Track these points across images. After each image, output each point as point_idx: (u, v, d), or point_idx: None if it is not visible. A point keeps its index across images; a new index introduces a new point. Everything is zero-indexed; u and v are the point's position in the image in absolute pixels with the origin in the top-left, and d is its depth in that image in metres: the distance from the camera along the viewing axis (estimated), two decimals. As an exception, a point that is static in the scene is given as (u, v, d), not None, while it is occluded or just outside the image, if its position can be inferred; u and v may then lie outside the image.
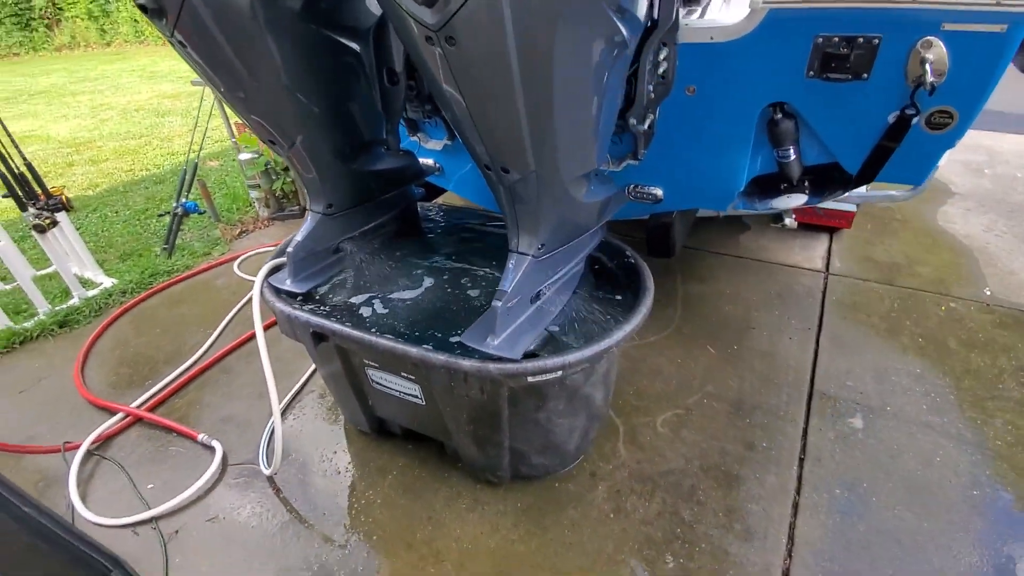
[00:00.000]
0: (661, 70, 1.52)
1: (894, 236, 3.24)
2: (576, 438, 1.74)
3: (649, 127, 1.67)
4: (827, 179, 1.70)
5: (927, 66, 1.26)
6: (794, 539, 1.64)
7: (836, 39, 1.33)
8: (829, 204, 2.33)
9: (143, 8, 1.21)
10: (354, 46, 1.48)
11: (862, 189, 2.41)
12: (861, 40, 1.31)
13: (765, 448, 1.94)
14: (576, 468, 1.89)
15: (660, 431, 2.03)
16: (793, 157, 1.63)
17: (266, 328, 1.83)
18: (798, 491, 1.78)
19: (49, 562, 1.13)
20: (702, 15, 1.56)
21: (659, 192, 1.93)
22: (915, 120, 1.40)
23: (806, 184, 1.71)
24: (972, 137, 4.63)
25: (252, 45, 1.29)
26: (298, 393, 2.30)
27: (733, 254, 3.15)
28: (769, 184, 1.78)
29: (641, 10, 1.12)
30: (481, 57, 0.94)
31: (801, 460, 1.89)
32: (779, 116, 1.56)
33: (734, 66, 1.48)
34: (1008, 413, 2.03)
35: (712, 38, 1.46)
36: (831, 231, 3.23)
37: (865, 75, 1.36)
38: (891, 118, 1.42)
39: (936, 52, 1.26)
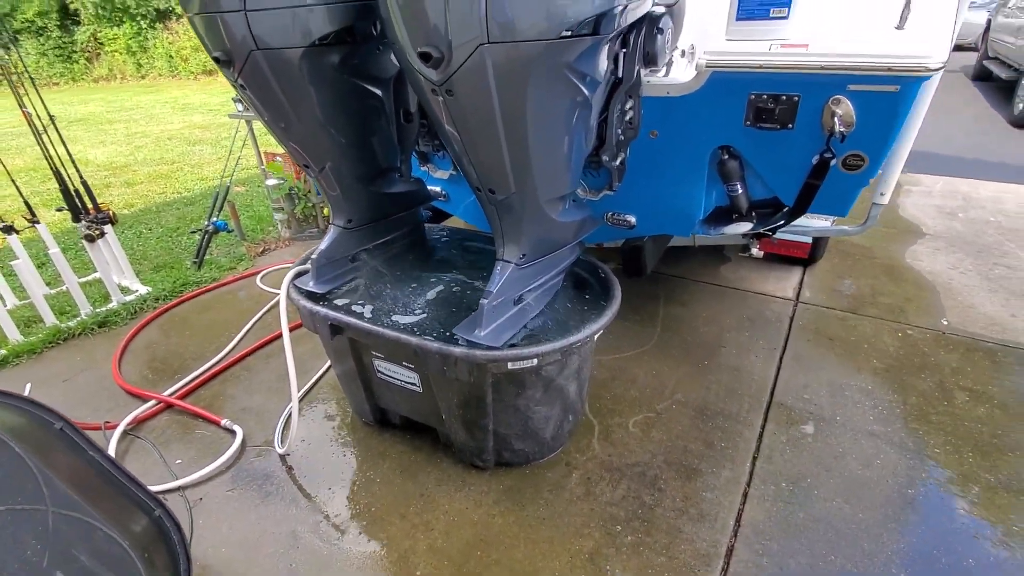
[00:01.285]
0: (628, 117, 1.84)
1: (863, 271, 3.50)
2: (552, 427, 1.99)
3: (621, 164, 1.98)
4: (770, 210, 1.99)
5: (836, 119, 1.57)
6: (741, 522, 1.86)
7: (765, 96, 1.65)
8: (787, 236, 2.61)
9: (217, 60, 1.56)
10: (377, 91, 1.82)
11: (820, 223, 2.71)
12: (784, 98, 1.63)
13: (723, 447, 2.17)
14: (554, 458, 2.13)
15: (631, 430, 2.27)
16: (740, 191, 1.93)
17: (292, 329, 2.12)
18: (749, 483, 2.01)
19: (112, 494, 1.39)
20: (667, 73, 1.89)
21: (632, 219, 2.23)
22: (833, 162, 1.70)
23: (753, 215, 2.01)
24: (950, 183, 4.96)
25: (297, 89, 1.63)
26: (312, 387, 2.58)
27: (713, 282, 3.42)
28: (724, 214, 2.08)
29: (600, 74, 1.44)
30: (472, 105, 1.26)
31: (754, 458, 2.12)
32: (726, 157, 1.87)
33: (687, 116, 1.80)
34: (949, 426, 2.25)
35: (669, 93, 1.78)
36: (804, 264, 3.50)
37: (790, 125, 1.67)
38: (814, 160, 1.72)
39: (844, 108, 1.57)
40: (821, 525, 1.85)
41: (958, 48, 12.68)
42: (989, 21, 8.92)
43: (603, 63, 1.44)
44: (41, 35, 18.59)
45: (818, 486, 1.99)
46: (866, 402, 2.39)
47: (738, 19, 1.64)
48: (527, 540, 1.82)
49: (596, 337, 1.83)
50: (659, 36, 1.66)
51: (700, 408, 2.38)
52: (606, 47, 1.46)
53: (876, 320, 2.97)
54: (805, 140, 1.68)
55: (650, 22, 1.65)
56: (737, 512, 1.90)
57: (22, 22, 18.30)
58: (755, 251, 2.71)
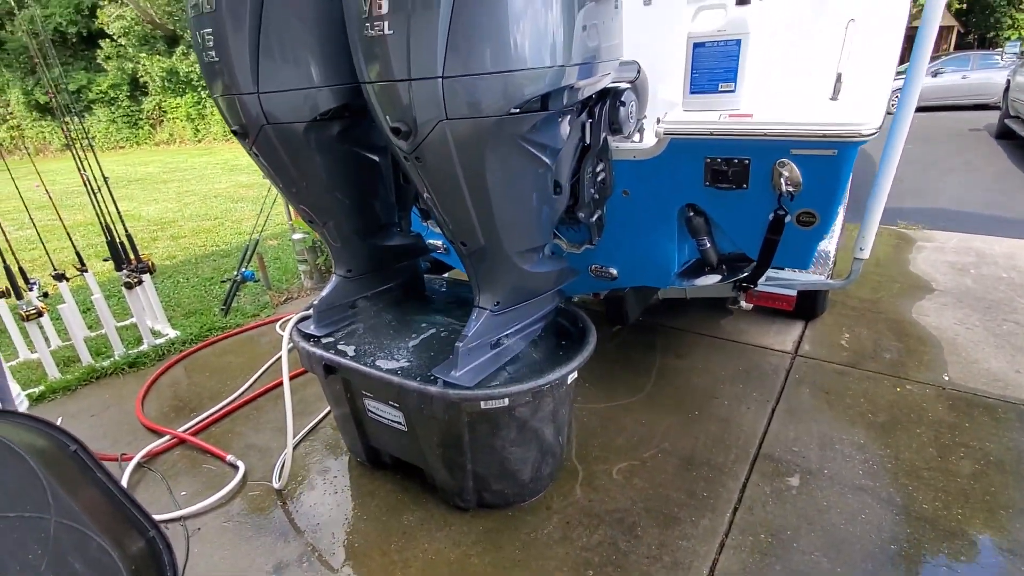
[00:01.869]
0: (600, 178, 2.02)
1: (867, 326, 3.49)
2: (530, 469, 2.05)
3: (598, 220, 2.15)
4: (738, 264, 2.10)
5: (783, 180, 1.70)
6: (714, 571, 1.86)
7: (719, 160, 1.80)
8: (771, 289, 2.68)
9: (235, 132, 1.82)
10: (375, 158, 2.06)
11: (808, 276, 2.78)
12: (736, 161, 1.78)
13: (705, 496, 2.18)
14: (536, 502, 2.18)
15: (615, 477, 2.31)
16: (708, 245, 2.05)
17: (294, 376, 2.30)
18: (727, 534, 2.01)
19: (112, 512, 1.54)
20: (640, 139, 2.07)
21: (614, 271, 2.36)
22: (787, 219, 1.81)
23: (724, 267, 2.11)
24: (964, 240, 4.92)
25: (302, 157, 1.87)
26: (314, 428, 2.72)
27: (711, 335, 3.47)
28: (698, 267, 2.19)
29: (557, 141, 1.63)
30: (438, 170, 1.45)
31: (735, 509, 2.12)
32: (692, 214, 2.01)
33: (653, 177, 1.96)
34: (941, 482, 2.21)
35: (635, 156, 1.96)
36: (790, 315, 3.50)
37: (745, 185, 1.81)
38: (770, 217, 1.84)
39: (790, 169, 1.70)
40: (798, 578, 1.83)
41: (983, 107, 12.69)
42: (1008, 81, 9.00)
43: (561, 132, 1.63)
44: (112, 104, 20.56)
45: (798, 539, 1.98)
46: (857, 456, 2.37)
47: (691, 92, 1.82)
48: (499, 581, 1.86)
49: (570, 381, 1.93)
50: (622, 108, 1.86)
51: (686, 458, 2.41)
52: (566, 119, 1.66)
53: (875, 375, 2.96)
54: (760, 199, 1.81)
55: (613, 96, 1.85)
56: (712, 561, 1.90)
57: (96, 93, 20.33)
58: (743, 304, 2.78)
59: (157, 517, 2.15)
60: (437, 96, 1.30)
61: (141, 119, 20.92)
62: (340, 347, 2.15)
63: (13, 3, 17.83)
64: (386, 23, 1.26)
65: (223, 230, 7.05)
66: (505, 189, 1.53)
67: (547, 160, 1.60)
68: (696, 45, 1.76)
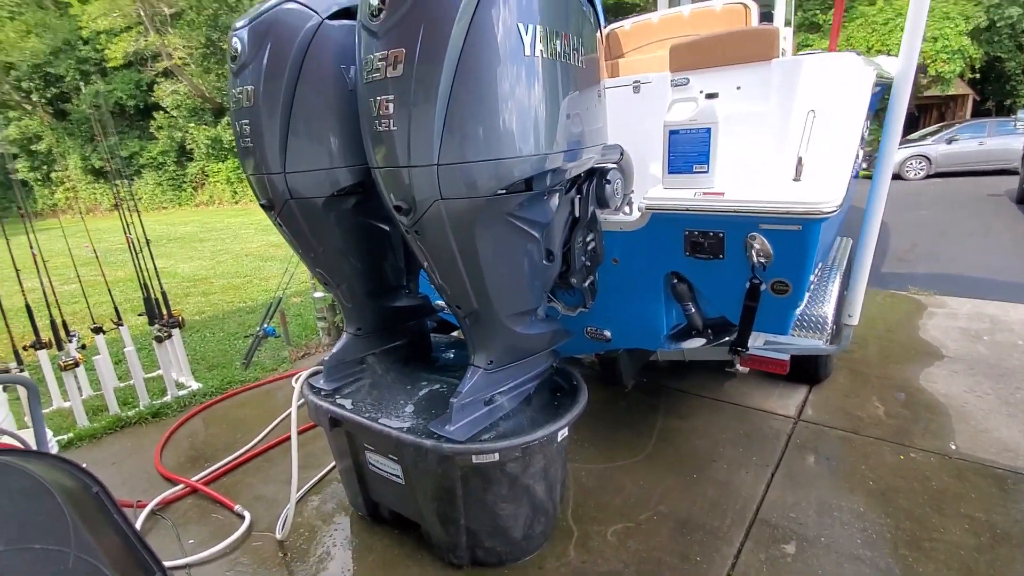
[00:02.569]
0: (591, 247, 2.18)
1: (872, 391, 3.48)
2: (521, 526, 2.10)
3: (590, 285, 2.30)
4: (722, 328, 2.20)
5: (754, 252, 1.84)
6: (703, 639, 1.85)
7: (696, 232, 1.95)
8: (764, 353, 2.73)
9: (263, 205, 2.06)
10: (385, 227, 2.27)
11: (805, 341, 2.85)
12: (712, 234, 1.93)
13: (698, 561, 2.18)
14: (528, 561, 2.20)
15: (609, 539, 2.32)
16: (693, 310, 2.17)
17: (304, 430, 2.43)
18: (718, 600, 2.00)
19: (124, 550, 1.65)
20: (630, 212, 2.24)
21: (608, 333, 2.48)
22: (763, 288, 1.93)
23: (709, 331, 2.22)
24: (978, 306, 4.90)
25: (322, 227, 2.10)
26: (320, 481, 2.81)
27: (715, 397, 3.50)
28: (686, 331, 2.30)
29: (545, 216, 1.81)
30: (435, 242, 1.64)
31: (728, 575, 2.11)
32: (676, 281, 2.14)
33: (639, 247, 2.12)
34: (943, 554, 2.16)
35: (622, 228, 2.13)
36: (808, 380, 3.53)
37: (721, 256, 1.95)
38: (747, 285, 1.96)
39: (760, 242, 1.84)
40: (788, 649, 1.81)
41: (1006, 172, 12.71)
42: (1026, 147, 9.11)
43: (548, 208, 1.81)
44: (160, 169, 22.06)
45: (790, 608, 1.96)
46: (856, 524, 2.34)
47: (669, 172, 2.01)
48: (487, 639, 1.88)
49: (561, 438, 2.01)
50: (608, 185, 2.05)
51: (682, 521, 2.41)
52: (553, 196, 1.84)
53: (878, 441, 2.94)
54: (736, 268, 1.94)
55: (600, 175, 2.05)
56: (700, 628, 1.89)
57: (147, 159, 21.90)
58: (739, 367, 2.84)
59: (166, 564, 2.24)
60: (433, 180, 1.50)
61: (185, 182, 22.35)
62: (346, 401, 2.28)
63: (80, 80, 19.72)
64: (391, 120, 1.49)
65: (251, 287, 7.40)
66: (495, 259, 1.70)
67: (535, 233, 1.77)
68: (672, 132, 1.96)
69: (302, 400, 2.35)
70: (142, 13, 19.78)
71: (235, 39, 1.90)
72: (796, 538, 2.28)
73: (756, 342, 3.02)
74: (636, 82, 2.68)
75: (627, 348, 2.64)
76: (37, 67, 20.98)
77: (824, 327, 2.87)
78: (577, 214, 2.04)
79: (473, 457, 1.85)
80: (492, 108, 1.47)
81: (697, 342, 2.23)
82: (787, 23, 4.38)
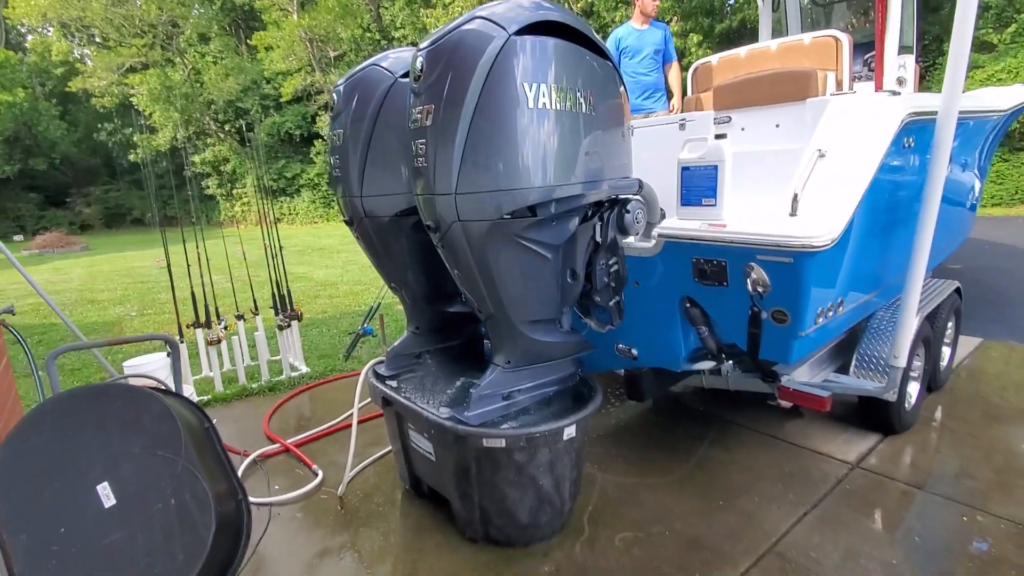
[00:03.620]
0: (614, 269, 2.42)
1: (960, 449, 3.16)
2: (526, 511, 2.35)
3: (616, 304, 2.52)
4: (734, 353, 2.28)
5: (750, 281, 1.96)
6: (677, 642, 1.95)
7: (702, 260, 2.11)
8: (805, 388, 2.66)
9: (345, 221, 2.60)
10: (441, 242, 2.70)
11: (844, 379, 2.78)
12: (715, 262, 2.07)
13: (695, 577, 2.26)
14: (536, 548, 2.44)
15: (616, 544, 2.48)
16: (706, 333, 2.29)
17: (375, 417, 2.93)
18: (704, 613, 2.07)
19: (219, 472, 2.21)
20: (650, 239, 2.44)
21: (635, 352, 2.66)
22: (763, 316, 2.02)
23: (723, 356, 2.31)
24: None
25: (387, 240, 2.58)
26: (382, 457, 3.29)
27: (769, 433, 3.42)
28: (703, 354, 2.41)
29: (553, 238, 2.09)
30: (457, 255, 2.01)
31: (722, 594, 2.17)
32: (688, 305, 2.29)
33: (655, 271, 2.31)
34: (974, 621, 2.02)
35: (641, 254, 2.34)
36: (881, 428, 3.30)
37: (725, 283, 2.08)
38: (750, 312, 2.06)
39: (757, 272, 1.95)
40: (760, 668, 1.85)
41: None
42: None
43: (558, 231, 2.10)
44: (315, 189, 25.35)
45: (776, 634, 1.98)
46: (880, 573, 2.25)
47: (682, 205, 2.19)
48: (482, 601, 2.16)
49: (567, 436, 2.25)
50: (627, 215, 2.29)
51: (693, 540, 2.48)
52: (566, 222, 2.13)
53: (943, 499, 2.71)
54: (738, 296, 2.06)
55: (621, 204, 2.29)
56: (678, 632, 1.99)
57: (305, 180, 25.31)
58: (780, 401, 2.83)
59: (253, 499, 2.83)
60: (451, 205, 1.88)
61: (334, 201, 25.46)
62: (398, 386, 2.72)
63: (261, 113, 23.50)
64: (424, 158, 1.91)
65: (368, 294, 8.40)
66: (506, 272, 2.03)
67: (545, 253, 2.07)
68: (684, 168, 2.15)
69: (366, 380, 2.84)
70: (311, 56, 23.23)
71: (334, 93, 2.48)
72: (808, 574, 2.25)
73: (815, 379, 3.00)
74: (683, 119, 2.86)
75: (652, 367, 2.77)
76: (230, 103, 25.46)
77: (878, 369, 2.77)
78: (599, 238, 2.30)
79: (483, 440, 2.17)
80: (498, 149, 1.82)
81: (707, 364, 2.34)
82: (906, 50, 4.16)
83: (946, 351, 4.00)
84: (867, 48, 3.89)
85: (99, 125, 28.10)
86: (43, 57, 31.88)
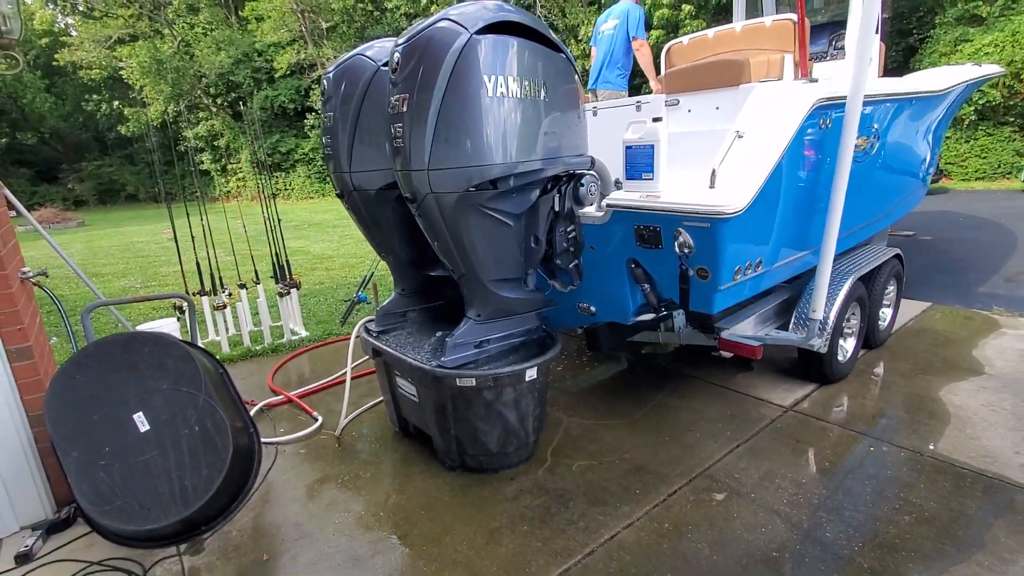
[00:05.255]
0: (572, 236, 2.79)
1: (884, 396, 3.59)
2: (495, 441, 2.77)
3: (575, 267, 2.89)
4: (671, 306, 2.67)
5: (677, 244, 2.33)
6: (614, 539, 2.39)
7: (642, 226, 2.48)
8: (738, 339, 3.06)
9: (338, 195, 2.95)
10: (422, 213, 3.06)
11: (774, 331, 3.18)
12: (652, 228, 2.44)
13: (636, 493, 2.69)
14: (505, 474, 2.87)
15: (573, 470, 2.91)
16: (648, 290, 2.68)
17: (369, 373, 3.32)
18: (638, 518, 2.51)
19: (234, 408, 2.61)
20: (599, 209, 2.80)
21: (593, 308, 3.05)
22: (691, 273, 2.40)
23: (663, 308, 2.71)
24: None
25: (374, 211, 2.94)
26: (374, 405, 3.71)
27: (721, 384, 3.84)
28: (646, 308, 2.80)
29: (515, 207, 2.45)
30: (431, 221, 2.37)
31: (656, 505, 2.60)
32: (634, 266, 2.67)
33: (605, 237, 2.68)
34: (857, 522, 2.43)
35: (593, 222, 2.70)
36: (817, 378, 3.72)
37: (660, 246, 2.45)
38: (679, 270, 2.44)
39: (684, 236, 2.32)
40: (677, 556, 2.29)
41: None
42: None
43: (519, 202, 2.46)
44: (309, 164, 25.38)
45: (695, 532, 2.41)
46: (790, 490, 2.68)
47: (627, 179, 2.55)
48: (455, 513, 2.59)
49: (528, 378, 2.65)
50: (582, 187, 2.64)
51: (638, 466, 2.92)
52: (526, 193, 2.49)
53: (856, 434, 3.15)
54: (670, 256, 2.44)
55: (576, 178, 2.65)
56: (615, 532, 2.43)
57: (300, 155, 25.32)
58: (722, 353, 3.23)
59: (263, 440, 3.25)
60: (425, 179, 2.24)
61: (328, 176, 25.52)
62: (386, 339, 3.11)
63: (254, 87, 23.39)
64: (401, 139, 2.25)
65: (363, 265, 8.75)
66: (474, 237, 2.39)
67: (507, 221, 2.43)
68: (627, 147, 2.50)
69: (358, 336, 3.22)
70: (303, 28, 23.02)
71: (324, 80, 2.80)
72: (729, 491, 2.69)
73: (759, 333, 3.39)
74: (638, 102, 3.19)
75: (607, 322, 3.17)
76: (222, 75, 25.25)
77: (812, 327, 3.16)
78: (557, 208, 2.66)
79: (457, 380, 2.57)
80: (464, 131, 2.16)
81: (648, 316, 2.73)
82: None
83: (887, 312, 4.42)
84: (834, 28, 4.19)
85: (87, 97, 27.87)
86: (26, 26, 31.31)
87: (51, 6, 29.49)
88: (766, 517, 2.50)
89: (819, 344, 3.15)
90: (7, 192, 2.78)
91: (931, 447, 2.99)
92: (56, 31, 30.17)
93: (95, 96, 27.64)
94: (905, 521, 2.44)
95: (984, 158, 13.06)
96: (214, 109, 26.56)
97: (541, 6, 16.36)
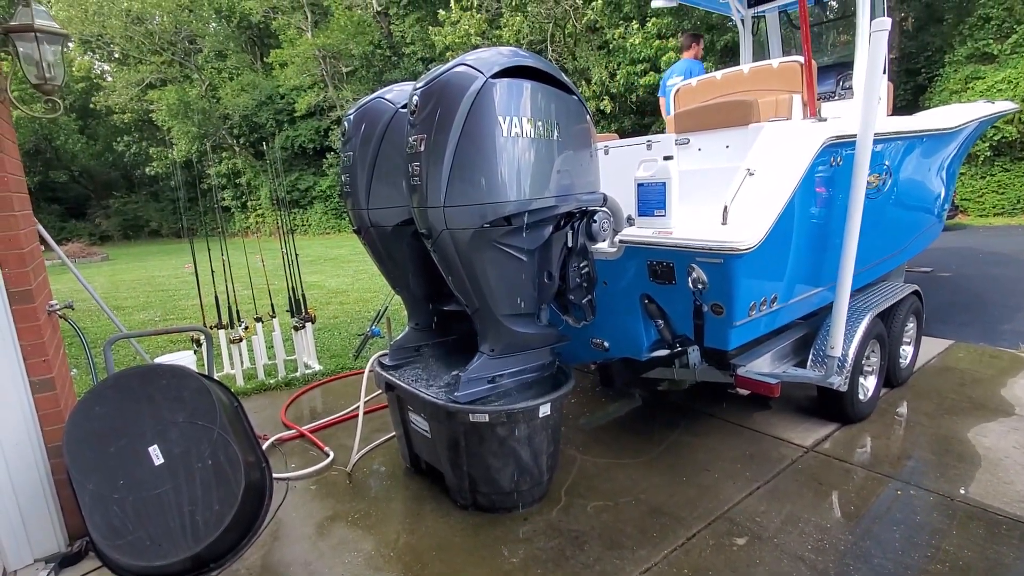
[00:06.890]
0: (585, 271, 2.80)
1: (909, 437, 3.48)
2: (507, 479, 2.72)
3: (589, 303, 2.90)
4: (686, 342, 2.65)
5: (690, 280, 2.33)
6: (630, 584, 2.31)
7: (655, 262, 2.49)
8: (756, 376, 3.00)
9: (355, 231, 3.01)
10: (437, 248, 3.10)
11: (792, 368, 3.13)
12: (665, 263, 2.45)
13: (653, 536, 2.61)
14: (518, 514, 2.81)
15: (587, 511, 2.83)
16: (662, 326, 2.66)
17: (381, 408, 3.32)
18: (656, 563, 2.42)
19: (247, 444, 2.61)
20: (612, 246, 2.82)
21: (607, 344, 3.03)
22: (705, 309, 2.39)
23: (677, 344, 2.68)
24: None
25: (391, 247, 2.99)
26: (386, 441, 3.68)
27: (737, 422, 3.76)
28: (661, 344, 2.78)
29: (528, 243, 2.48)
30: (445, 257, 2.40)
31: (675, 549, 2.51)
32: (647, 302, 2.66)
33: (619, 273, 2.69)
34: (887, 569, 2.34)
35: (607, 257, 2.72)
36: (838, 418, 3.62)
37: (674, 282, 2.45)
38: (694, 306, 2.43)
39: (697, 272, 2.33)
40: (699, 604, 2.20)
41: None
42: None
43: (532, 238, 2.49)
44: (327, 201, 25.98)
45: (716, 579, 2.32)
46: (814, 535, 2.58)
47: (639, 215, 2.58)
48: (467, 554, 2.53)
49: (542, 414, 2.63)
50: (594, 224, 2.67)
51: (654, 508, 2.84)
52: (539, 230, 2.52)
53: (883, 477, 3.04)
54: (684, 292, 2.44)
55: (589, 214, 2.68)
56: (633, 577, 2.34)
57: (318, 192, 25.96)
58: (738, 388, 3.18)
59: (274, 475, 3.22)
60: (440, 216, 2.29)
61: (345, 213, 26.07)
62: (399, 374, 3.11)
63: (275, 128, 24.23)
64: (418, 178, 2.31)
65: (378, 300, 8.82)
66: (487, 272, 2.42)
67: (520, 256, 2.46)
68: (639, 184, 2.54)
69: (371, 370, 3.23)
70: (324, 72, 23.98)
71: (345, 120, 2.90)
72: (750, 535, 2.59)
73: (776, 370, 3.34)
74: (649, 140, 3.25)
75: (621, 358, 3.14)
76: (246, 117, 26.25)
77: (832, 365, 3.10)
78: (570, 244, 2.69)
79: (470, 416, 2.55)
80: (479, 170, 2.22)
81: (662, 352, 2.71)
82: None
83: (907, 350, 4.32)
84: (841, 68, 4.28)
85: (117, 139, 29.06)
86: (65, 71, 33.02)
87: (90, 54, 31.14)
88: (791, 564, 2.40)
89: (839, 382, 3.08)
90: (40, 227, 2.88)
91: (962, 491, 2.87)
92: (92, 76, 31.76)
93: (125, 137, 28.84)
94: (939, 570, 2.33)
95: (1002, 193, 12.97)
96: (237, 148, 27.50)
97: (553, 50, 16.90)
